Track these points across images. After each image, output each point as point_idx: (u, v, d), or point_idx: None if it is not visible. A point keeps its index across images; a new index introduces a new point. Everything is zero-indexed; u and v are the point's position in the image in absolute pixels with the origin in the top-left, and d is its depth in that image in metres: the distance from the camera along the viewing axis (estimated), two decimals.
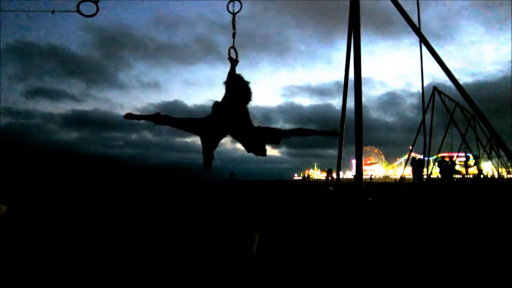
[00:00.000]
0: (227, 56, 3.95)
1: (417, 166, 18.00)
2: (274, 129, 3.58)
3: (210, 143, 3.64)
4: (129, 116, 3.51)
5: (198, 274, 2.52)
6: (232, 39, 4.05)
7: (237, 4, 4.18)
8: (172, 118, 3.56)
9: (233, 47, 4.02)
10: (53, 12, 5.35)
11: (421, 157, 19.34)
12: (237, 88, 3.64)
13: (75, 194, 11.22)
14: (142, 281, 2.37)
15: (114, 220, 5.23)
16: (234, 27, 4.06)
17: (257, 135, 3.53)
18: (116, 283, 2.35)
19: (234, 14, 4.12)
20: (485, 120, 6.59)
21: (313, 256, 3.02)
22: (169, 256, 3.02)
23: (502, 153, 25.20)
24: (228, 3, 4.14)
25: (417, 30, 6.46)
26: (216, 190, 14.82)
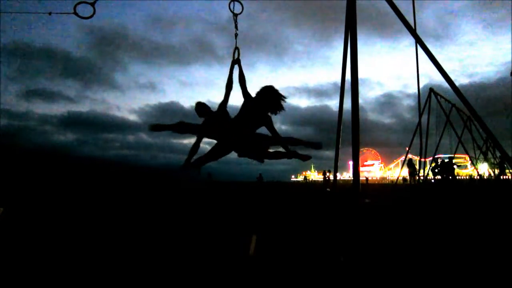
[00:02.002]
0: (237, 57, 3.96)
1: (438, 167, 18.01)
2: (269, 137, 3.63)
3: (223, 150, 3.66)
4: (155, 127, 3.56)
5: (195, 275, 2.51)
6: (235, 40, 4.06)
7: (238, 5, 4.20)
8: (195, 125, 3.63)
9: (237, 47, 4.03)
10: (50, 14, 5.33)
11: (417, 158, 19.44)
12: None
13: (71, 196, 11.16)
14: (140, 281, 2.35)
15: (111, 222, 5.21)
16: (236, 28, 4.07)
17: (257, 143, 3.59)
18: (115, 284, 2.34)
19: (236, 15, 4.13)
20: (481, 121, 6.62)
21: (309, 257, 3.01)
22: (166, 258, 3.00)
23: (498, 154, 25.33)
24: (230, 2, 4.15)
25: (412, 31, 6.47)
26: (213, 191, 14.79)
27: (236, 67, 4.00)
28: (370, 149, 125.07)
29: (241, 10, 4.16)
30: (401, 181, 31.95)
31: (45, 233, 4.19)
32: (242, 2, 4.14)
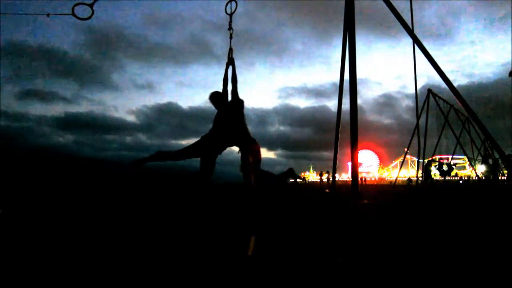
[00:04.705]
0: (229, 56, 4.02)
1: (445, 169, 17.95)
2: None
3: (210, 158, 3.99)
4: (136, 163, 3.78)
5: (194, 275, 2.50)
6: (229, 39, 4.08)
7: (233, 3, 4.22)
8: (173, 152, 3.90)
9: (231, 48, 4.06)
10: (48, 15, 5.33)
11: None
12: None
13: (70, 197, 11.14)
14: (139, 281, 2.35)
15: (110, 223, 5.20)
16: (231, 28, 4.09)
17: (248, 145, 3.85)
18: (115, 284, 2.33)
19: (230, 15, 4.15)
20: (479, 122, 6.64)
21: (308, 257, 3.01)
22: (165, 258, 3.00)
23: (496, 155, 25.39)
24: (226, 4, 4.16)
25: (410, 32, 6.50)
26: (211, 192, 14.78)
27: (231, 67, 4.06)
28: (368, 150, 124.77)
29: (235, 8, 4.18)
30: (409, 183, 31.90)
31: (44, 235, 4.18)
32: (237, 1, 4.17)
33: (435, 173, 18.89)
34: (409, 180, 34.41)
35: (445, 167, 18.22)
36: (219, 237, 3.97)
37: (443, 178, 18.99)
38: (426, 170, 18.76)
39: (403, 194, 13.82)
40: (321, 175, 31.05)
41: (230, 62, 4.03)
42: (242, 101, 3.96)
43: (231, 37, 4.09)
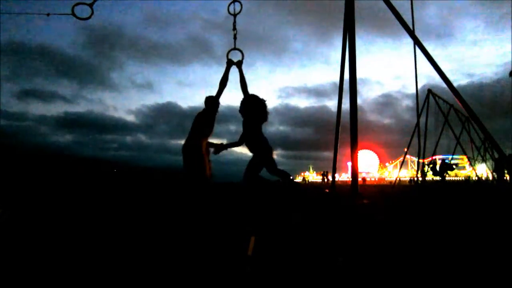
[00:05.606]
0: (227, 59, 4.00)
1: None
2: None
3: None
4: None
5: (193, 276, 2.50)
6: (233, 40, 4.08)
7: (237, 4, 4.21)
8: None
9: (235, 48, 4.05)
10: (48, 15, 5.34)
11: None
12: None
13: (71, 197, 11.14)
14: (139, 282, 2.35)
15: (110, 223, 5.20)
16: (235, 28, 4.08)
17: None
18: (114, 284, 2.33)
19: (235, 16, 4.14)
20: (479, 122, 6.65)
21: (308, 257, 3.01)
22: (165, 258, 3.00)
23: (496, 155, 25.37)
24: (229, 4, 4.16)
25: (410, 32, 6.50)
26: (211, 192, 14.77)
27: (233, 67, 4.07)
28: (368, 150, 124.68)
29: (240, 9, 4.17)
30: (412, 183, 31.88)
31: (44, 234, 4.18)
32: (241, 1, 4.16)
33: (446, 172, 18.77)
34: (410, 180, 34.65)
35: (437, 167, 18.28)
36: (219, 237, 3.97)
37: (441, 178, 18.96)
38: (439, 169, 18.73)
39: (404, 194, 13.82)
40: (322, 175, 31.19)
41: (234, 63, 4.01)
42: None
43: (235, 38, 4.08)
